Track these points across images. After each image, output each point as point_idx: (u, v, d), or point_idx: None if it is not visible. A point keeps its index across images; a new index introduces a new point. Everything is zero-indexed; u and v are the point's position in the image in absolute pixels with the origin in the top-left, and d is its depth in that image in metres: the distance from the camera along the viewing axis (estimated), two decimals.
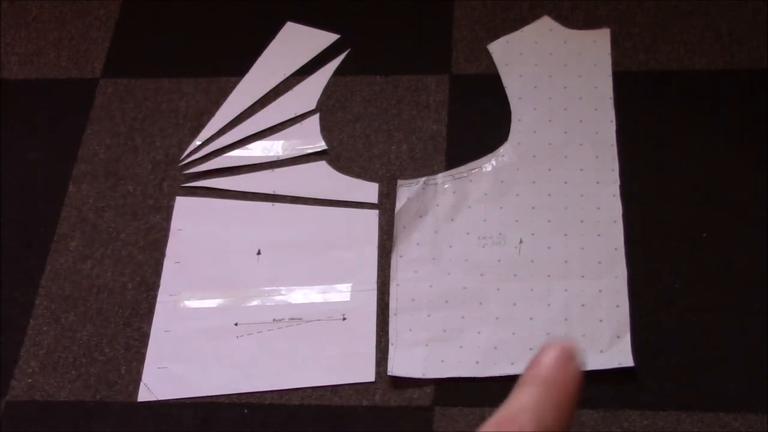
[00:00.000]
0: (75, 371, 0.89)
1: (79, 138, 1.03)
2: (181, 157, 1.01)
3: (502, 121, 0.98)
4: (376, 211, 0.94)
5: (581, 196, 0.92)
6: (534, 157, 0.95)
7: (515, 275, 0.88)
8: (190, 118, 1.03)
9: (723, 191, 0.91)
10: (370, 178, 0.96)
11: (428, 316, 0.87)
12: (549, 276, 0.88)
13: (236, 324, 0.90)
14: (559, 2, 1.05)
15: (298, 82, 1.04)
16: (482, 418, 0.82)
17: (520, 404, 0.30)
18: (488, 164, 0.95)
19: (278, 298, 0.91)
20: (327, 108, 1.02)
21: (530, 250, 0.89)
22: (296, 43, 1.07)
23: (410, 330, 0.87)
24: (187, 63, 1.07)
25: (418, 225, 0.92)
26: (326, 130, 1.00)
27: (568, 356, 0.31)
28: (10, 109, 1.07)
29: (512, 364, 0.84)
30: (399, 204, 0.93)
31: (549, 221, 0.91)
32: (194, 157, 1.00)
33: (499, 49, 1.03)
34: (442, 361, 0.85)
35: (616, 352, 0.83)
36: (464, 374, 0.84)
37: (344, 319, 0.89)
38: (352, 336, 0.88)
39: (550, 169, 0.94)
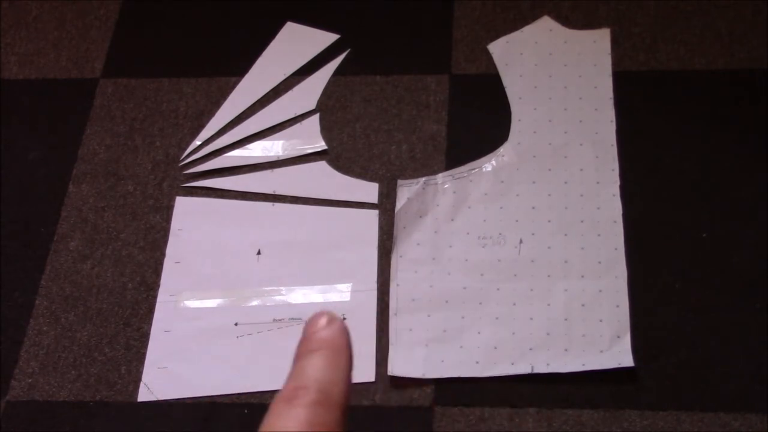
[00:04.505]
0: (75, 371, 0.89)
1: (79, 138, 1.03)
2: (181, 157, 1.01)
3: (502, 121, 0.98)
4: (376, 211, 0.94)
5: (581, 196, 0.92)
6: (534, 157, 0.95)
7: (515, 275, 0.88)
8: (190, 118, 1.03)
9: (723, 191, 0.91)
10: (370, 178, 0.96)
11: (428, 316, 0.87)
12: (549, 276, 0.88)
13: (236, 324, 0.90)
14: (559, 2, 1.05)
15: (298, 82, 1.04)
16: (482, 419, 0.82)
17: (312, 372, 0.31)
18: (488, 164, 0.95)
19: (278, 298, 0.91)
20: (327, 108, 1.02)
21: (530, 250, 0.89)
22: (296, 43, 1.07)
23: (410, 330, 0.87)
24: (187, 63, 1.07)
25: (418, 225, 0.92)
26: (326, 130, 1.00)
27: (338, 320, 0.33)
28: (10, 109, 1.07)
29: (512, 364, 0.84)
30: (399, 204, 0.93)
31: (549, 221, 0.91)
32: (194, 157, 1.00)
33: (499, 49, 1.03)
34: (442, 361, 0.85)
35: (616, 352, 0.83)
36: (464, 374, 0.84)
37: (344, 319, 0.89)
38: (352, 336, 0.87)
39: (550, 169, 0.94)
